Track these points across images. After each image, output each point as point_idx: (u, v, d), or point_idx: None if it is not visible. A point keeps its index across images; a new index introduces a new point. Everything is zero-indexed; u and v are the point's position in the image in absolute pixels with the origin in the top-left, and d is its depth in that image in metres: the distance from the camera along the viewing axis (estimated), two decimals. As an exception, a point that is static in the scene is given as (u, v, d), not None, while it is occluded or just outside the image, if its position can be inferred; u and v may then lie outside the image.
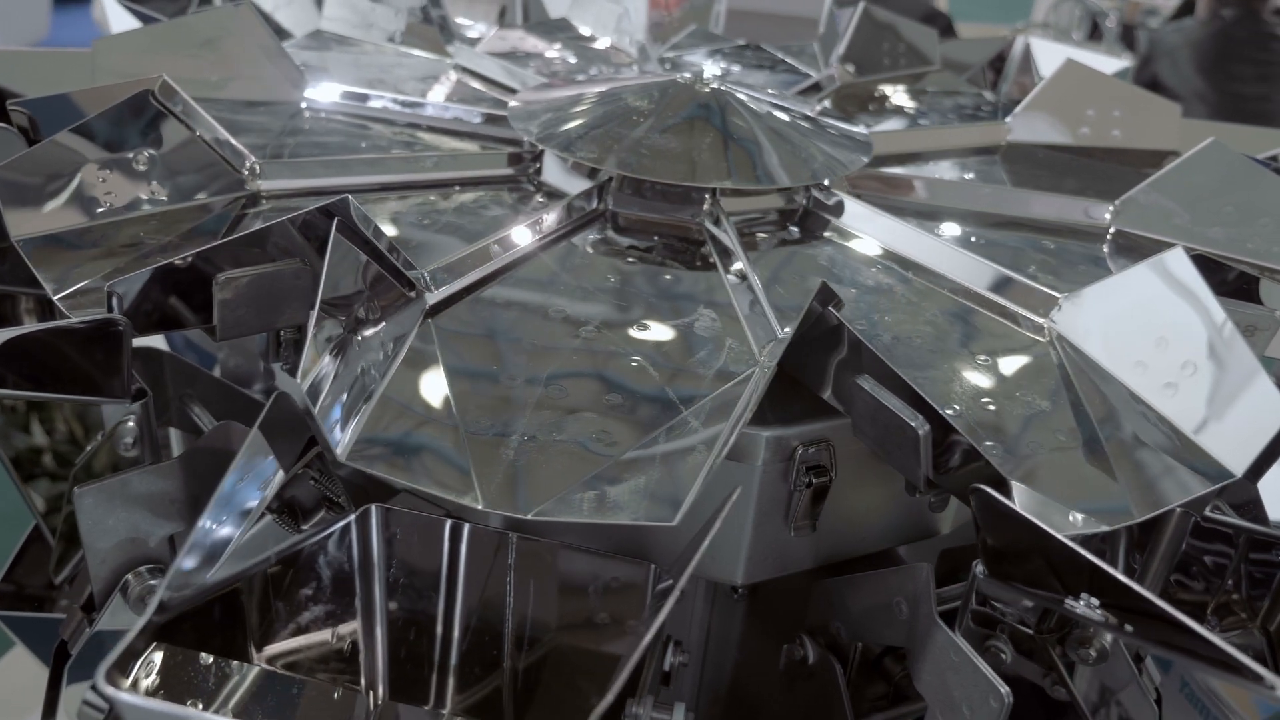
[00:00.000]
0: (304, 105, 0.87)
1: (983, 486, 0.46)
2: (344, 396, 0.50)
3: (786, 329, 0.57)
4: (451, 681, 0.54)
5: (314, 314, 0.49)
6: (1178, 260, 0.58)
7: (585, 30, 1.12)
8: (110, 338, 0.52)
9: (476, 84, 0.97)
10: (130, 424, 0.68)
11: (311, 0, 1.09)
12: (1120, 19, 3.23)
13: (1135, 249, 0.76)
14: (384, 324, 0.55)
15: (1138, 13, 3.31)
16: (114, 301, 0.53)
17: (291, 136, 0.81)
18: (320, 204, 0.55)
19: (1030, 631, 0.65)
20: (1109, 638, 0.60)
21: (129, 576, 0.60)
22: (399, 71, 0.97)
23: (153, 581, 0.60)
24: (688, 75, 0.80)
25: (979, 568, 0.51)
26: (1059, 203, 0.80)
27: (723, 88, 0.79)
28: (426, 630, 0.52)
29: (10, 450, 0.75)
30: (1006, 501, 0.45)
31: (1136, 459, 0.55)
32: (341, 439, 0.48)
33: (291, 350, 0.65)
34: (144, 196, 0.66)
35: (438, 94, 0.92)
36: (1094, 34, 3.38)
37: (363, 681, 0.54)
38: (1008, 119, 0.94)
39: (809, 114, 0.82)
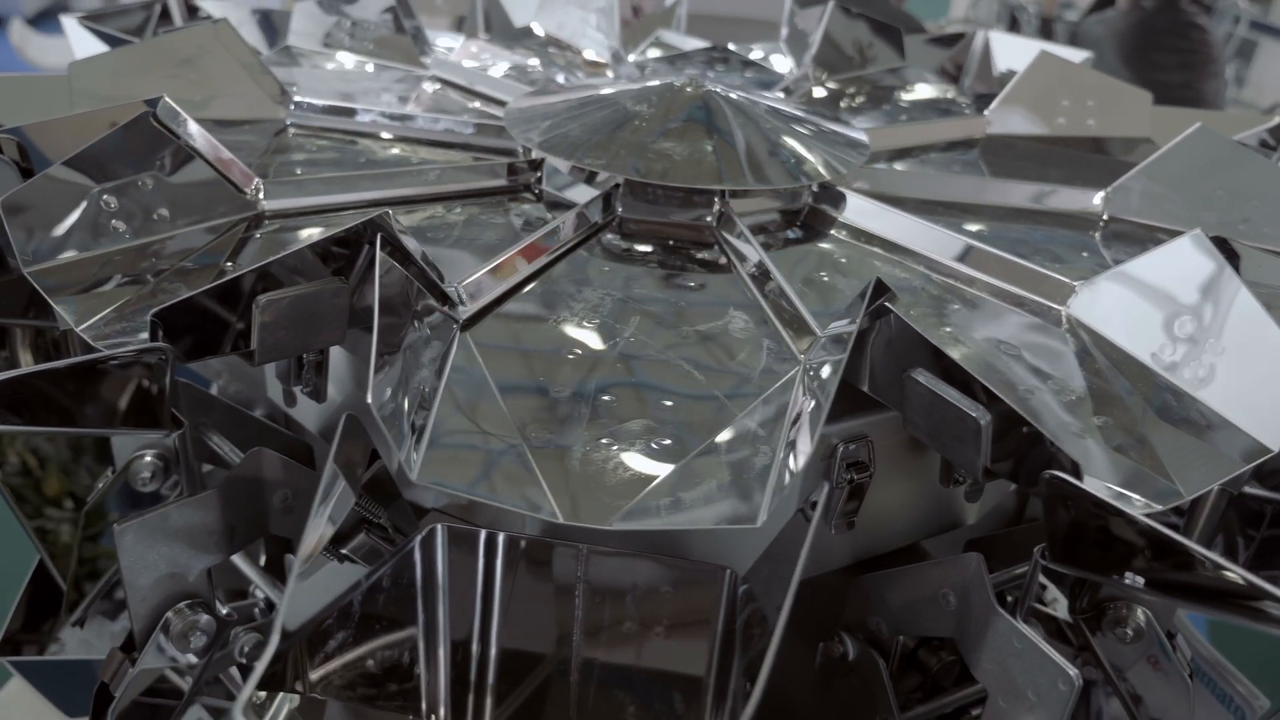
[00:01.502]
0: (288, 122, 0.85)
1: (1057, 473, 0.47)
2: (404, 415, 0.49)
3: (838, 325, 0.57)
4: (516, 698, 0.53)
5: (375, 333, 0.48)
6: (1198, 243, 0.60)
7: (556, 37, 1.12)
8: (155, 367, 0.50)
9: (456, 95, 0.96)
10: (147, 458, 0.66)
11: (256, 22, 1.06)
12: (1039, 12, 3.32)
13: (1127, 235, 0.78)
14: (431, 340, 0.55)
15: (1055, 6, 3.40)
16: (157, 330, 0.51)
17: (280, 155, 0.80)
18: (360, 219, 0.53)
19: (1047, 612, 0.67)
20: (1143, 617, 0.62)
21: (169, 614, 0.58)
22: (376, 85, 0.96)
23: (196, 617, 0.58)
24: (683, 79, 0.80)
25: (1040, 554, 0.51)
26: (1050, 192, 0.81)
27: (719, 90, 0.79)
28: (489, 648, 0.52)
29: (15, 486, 0.72)
30: (1084, 486, 0.46)
31: (1172, 440, 0.56)
32: (415, 458, 0.47)
33: (313, 373, 0.64)
34: (152, 221, 0.64)
35: (422, 106, 0.91)
36: (1013, 27, 3.46)
37: (424, 705, 0.53)
38: (986, 112, 0.95)
39: (804, 114, 0.82)
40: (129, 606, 0.57)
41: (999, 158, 0.92)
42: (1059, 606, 0.68)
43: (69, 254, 0.61)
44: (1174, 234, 0.77)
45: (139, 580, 0.56)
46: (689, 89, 0.78)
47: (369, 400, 0.46)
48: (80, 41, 0.95)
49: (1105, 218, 0.80)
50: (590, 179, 0.77)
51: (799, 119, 0.80)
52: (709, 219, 0.73)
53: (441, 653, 0.53)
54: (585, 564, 0.50)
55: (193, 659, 0.59)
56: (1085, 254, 0.74)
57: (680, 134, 0.75)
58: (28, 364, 0.73)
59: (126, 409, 0.52)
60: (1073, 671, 0.50)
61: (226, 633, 0.60)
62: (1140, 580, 0.50)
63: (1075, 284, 0.65)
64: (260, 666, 0.37)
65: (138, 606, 0.57)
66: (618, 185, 0.73)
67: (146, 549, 0.55)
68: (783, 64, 1.16)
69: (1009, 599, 0.61)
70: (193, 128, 0.66)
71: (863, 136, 0.81)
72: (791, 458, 0.48)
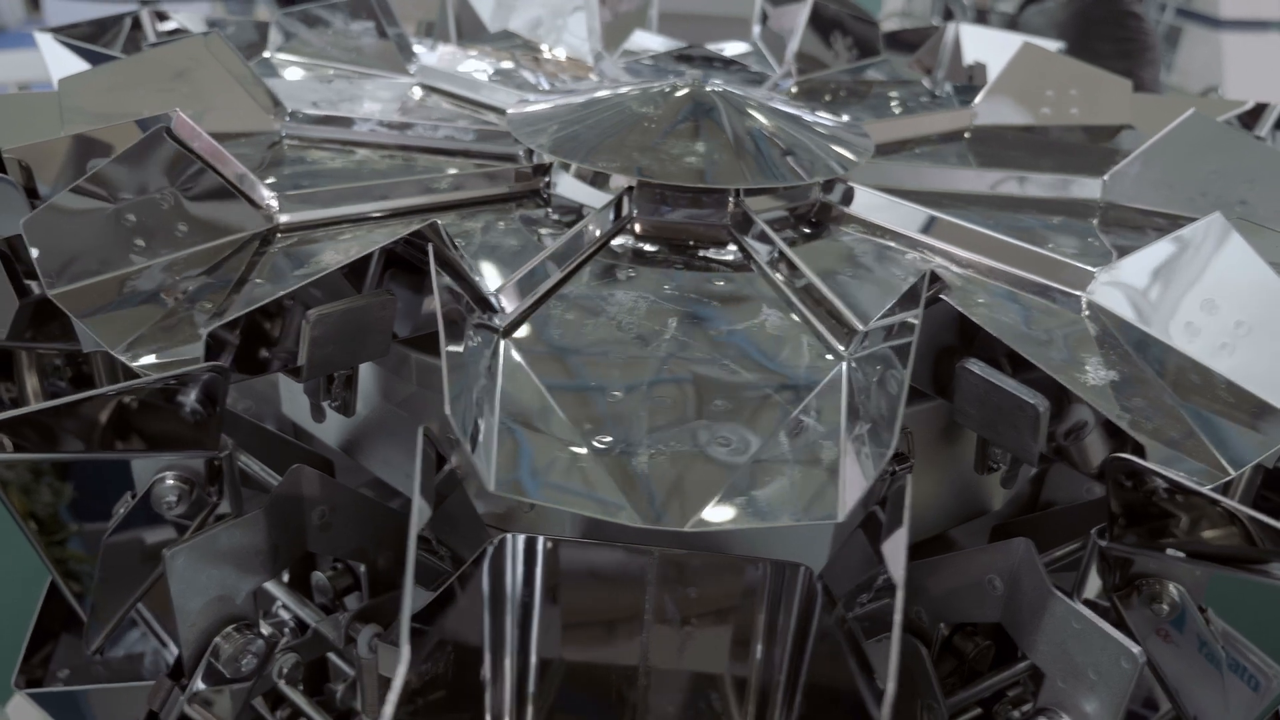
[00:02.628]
0: (283, 133, 0.83)
1: (1124, 455, 0.48)
2: (475, 426, 0.49)
3: (881, 319, 0.57)
4: (582, 708, 0.53)
5: (443, 343, 0.48)
6: (1217, 225, 0.61)
7: (533, 40, 1.11)
8: (212, 386, 0.49)
9: (445, 101, 0.95)
10: (169, 481, 0.65)
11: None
12: (974, 4, 3.37)
13: (1125, 221, 0.80)
14: (483, 349, 0.54)
15: (990, -2, 3.46)
16: (212, 348, 0.50)
17: (277, 167, 0.78)
18: (412, 229, 0.53)
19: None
20: (1175, 592, 0.63)
21: (218, 640, 0.57)
22: (361, 94, 0.95)
23: (247, 639, 0.57)
24: (687, 80, 0.80)
25: (1097, 535, 0.52)
26: (1047, 181, 0.83)
27: (722, 90, 0.79)
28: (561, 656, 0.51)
29: (31, 511, 0.70)
30: (1153, 466, 0.47)
31: (1205, 419, 0.57)
32: (489, 469, 0.47)
33: (343, 387, 0.63)
34: (172, 238, 0.63)
35: (416, 114, 0.90)
36: (947, 19, 3.52)
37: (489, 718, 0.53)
38: (974, 103, 0.97)
39: (806, 111, 0.83)
40: (178, 632, 0.55)
41: (990, 148, 0.93)
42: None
43: (93, 275, 0.59)
44: (1172, 218, 0.80)
45: (188, 605, 0.55)
46: (693, 89, 0.79)
47: (448, 413, 0.45)
48: (55, 57, 0.93)
49: (1103, 204, 0.81)
50: (595, 180, 0.77)
51: (802, 116, 0.81)
52: (724, 218, 0.73)
53: (508, 664, 0.53)
54: (656, 568, 0.50)
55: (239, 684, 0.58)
56: (1089, 240, 0.76)
57: (690, 134, 0.75)
58: (34, 388, 0.71)
59: (180, 430, 0.51)
60: (1136, 649, 0.51)
61: (273, 655, 0.59)
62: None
63: (1095, 270, 0.66)
64: (397, 683, 0.36)
65: (186, 632, 0.55)
66: (630, 188, 0.73)
67: (196, 573, 0.54)
68: (751, 60, 1.16)
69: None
70: (207, 142, 0.65)
71: (865, 131, 0.82)
72: (863, 453, 0.48)
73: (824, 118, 0.83)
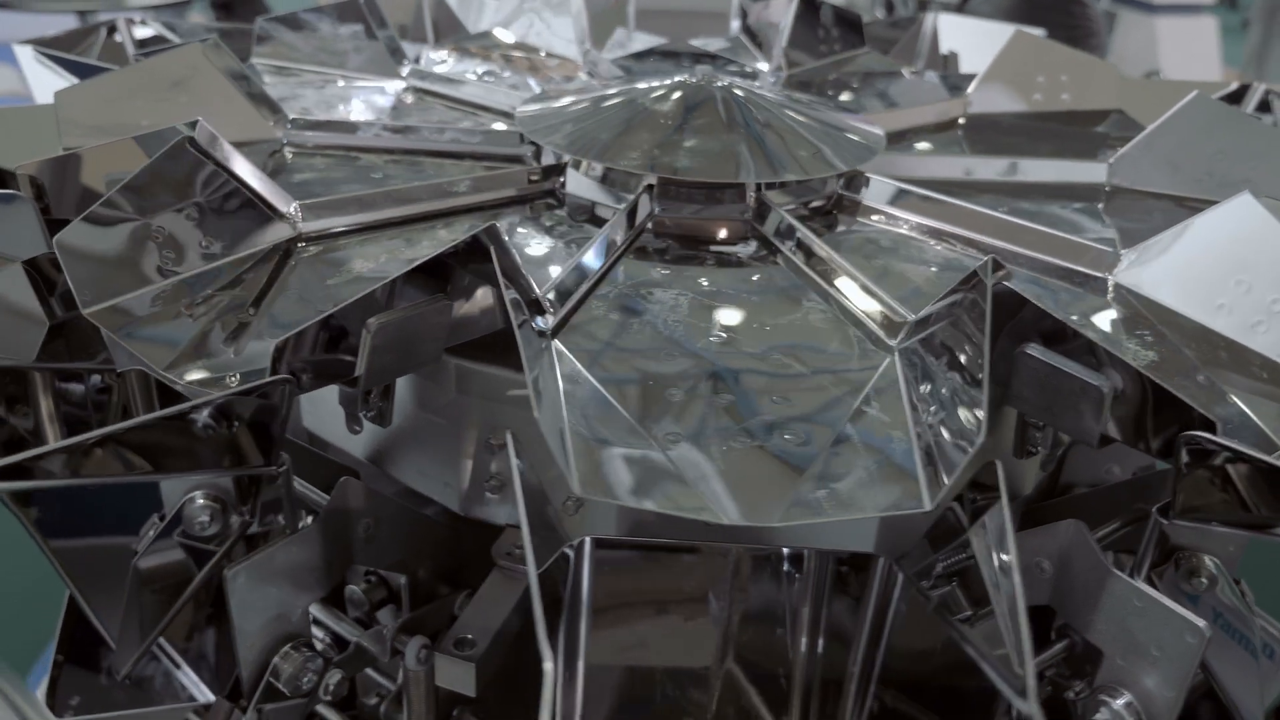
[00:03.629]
0: (284, 141, 0.82)
1: (1196, 433, 0.48)
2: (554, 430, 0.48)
3: (931, 307, 0.57)
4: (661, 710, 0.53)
5: (522, 348, 0.47)
6: (1246, 205, 0.63)
7: (520, 40, 1.10)
8: (277, 400, 0.48)
9: (441, 105, 0.94)
10: (199, 500, 0.63)
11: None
12: (917, -4, 3.41)
13: (1131, 204, 0.81)
14: (541, 352, 0.53)
15: (932, -12, 3.49)
16: (278, 361, 0.49)
17: (282, 175, 0.77)
18: (472, 233, 0.52)
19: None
20: (1212, 565, 0.64)
21: (277, 659, 0.55)
22: (355, 99, 0.93)
23: (305, 657, 0.56)
24: (696, 76, 0.80)
25: (1159, 513, 0.53)
26: (1052, 166, 0.84)
27: (735, 85, 0.79)
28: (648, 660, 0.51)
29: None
30: (1225, 441, 0.48)
31: (1244, 396, 0.58)
32: (571, 471, 0.46)
33: (380, 397, 0.62)
34: (200, 251, 0.61)
35: (415, 118, 0.89)
36: (890, 11, 3.56)
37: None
38: (967, 91, 0.98)
39: (815, 104, 0.83)
40: (237, 653, 0.54)
41: (986, 135, 0.94)
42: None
43: (126, 292, 0.57)
44: (1178, 200, 0.81)
45: (247, 624, 0.53)
46: (703, 85, 0.78)
47: (538, 416, 0.45)
48: (34, 71, 0.90)
49: (1110, 187, 0.82)
50: (607, 178, 0.76)
51: (812, 109, 0.81)
52: (745, 213, 0.73)
53: (579, 668, 0.52)
54: (737, 566, 0.49)
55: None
56: (1103, 224, 0.77)
57: (707, 130, 0.74)
58: (49, 410, 0.69)
59: (242, 447, 0.49)
60: (1201, 624, 0.52)
61: (328, 672, 0.58)
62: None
63: (1121, 252, 0.67)
64: (548, 697, 0.35)
65: (246, 652, 0.54)
66: (650, 185, 0.72)
67: (255, 592, 0.53)
68: (739, 54, 1.16)
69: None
70: (229, 151, 0.63)
71: (873, 123, 0.82)
72: (942, 441, 0.48)
73: (834, 111, 0.83)
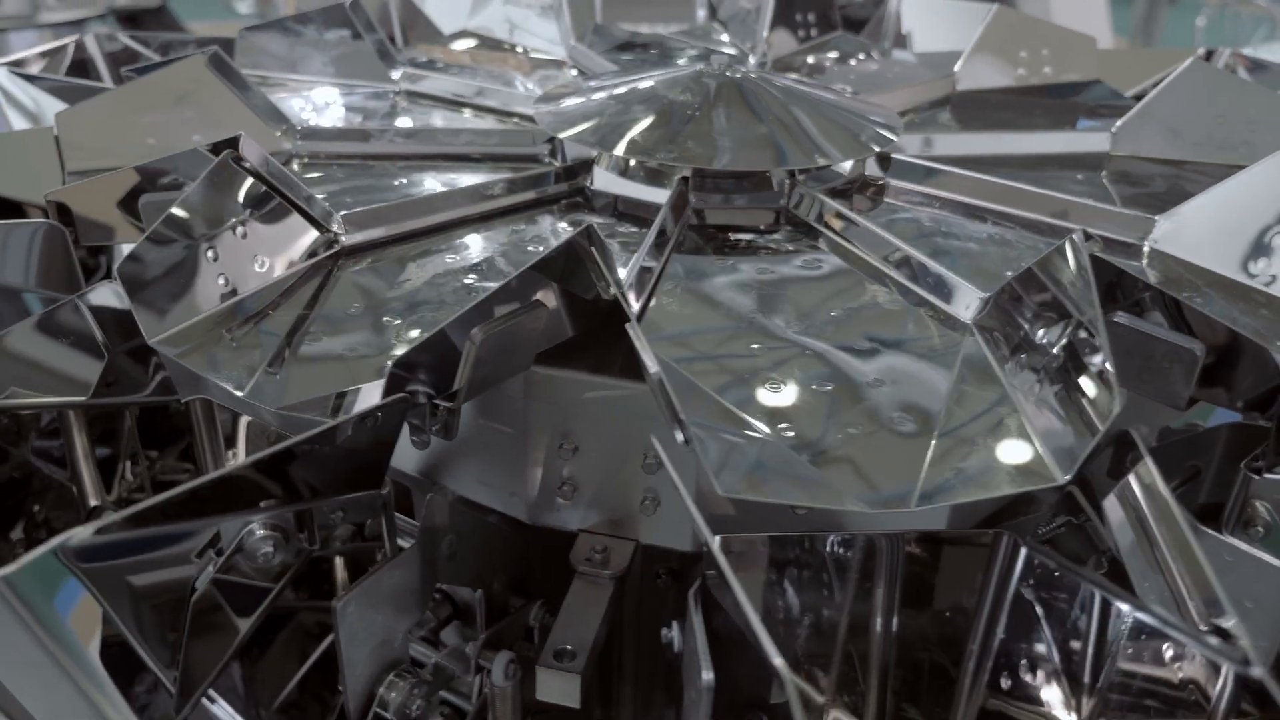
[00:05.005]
0: (293, 151, 0.79)
1: (1300, 390, 0.50)
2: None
3: (1031, 282, 0.57)
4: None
5: (650, 352, 0.46)
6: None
7: (498, 38, 1.09)
8: (392, 420, 0.46)
9: (441, 108, 0.92)
10: (260, 532, 0.61)
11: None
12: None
13: (1134, 171, 0.83)
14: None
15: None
16: (398, 380, 0.47)
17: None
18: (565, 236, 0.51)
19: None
20: (1265, 511, 0.66)
21: (382, 690, 0.54)
22: (350, 106, 0.91)
23: (411, 685, 0.54)
24: (712, 65, 0.79)
25: (1248, 466, 0.55)
26: (1057, 138, 0.86)
27: (754, 75, 0.79)
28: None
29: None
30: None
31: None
32: (710, 472, 0.46)
33: (447, 411, 0.60)
34: (251, 269, 0.59)
35: (419, 122, 0.87)
36: None
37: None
38: (955, 69, 0.99)
39: (830, 91, 0.83)
40: (345, 684, 0.52)
41: (979, 111, 0.95)
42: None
43: (188, 318, 0.55)
44: (1179, 164, 0.83)
45: (355, 655, 0.52)
46: (721, 75, 0.78)
47: (683, 418, 0.44)
48: (9, 92, 0.86)
49: (1116, 156, 0.84)
50: (630, 171, 0.75)
51: (827, 94, 0.81)
52: (782, 199, 0.73)
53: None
54: (887, 553, 0.49)
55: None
56: (1122, 190, 0.79)
57: (736, 119, 0.74)
58: (84, 447, 0.66)
59: (354, 471, 0.48)
60: (1296, 573, 0.53)
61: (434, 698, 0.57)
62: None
63: (1155, 218, 0.69)
64: (795, 698, 0.34)
65: (354, 683, 0.52)
66: (686, 177, 0.72)
67: (363, 621, 0.51)
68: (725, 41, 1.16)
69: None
70: (274, 166, 0.61)
71: (886, 105, 0.83)
72: (1061, 412, 0.49)
73: (846, 95, 0.83)
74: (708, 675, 0.46)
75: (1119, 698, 0.58)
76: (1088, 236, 0.56)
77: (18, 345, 0.55)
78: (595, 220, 0.71)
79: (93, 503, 0.67)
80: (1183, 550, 0.43)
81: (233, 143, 0.63)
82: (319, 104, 0.90)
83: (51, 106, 0.86)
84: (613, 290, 0.56)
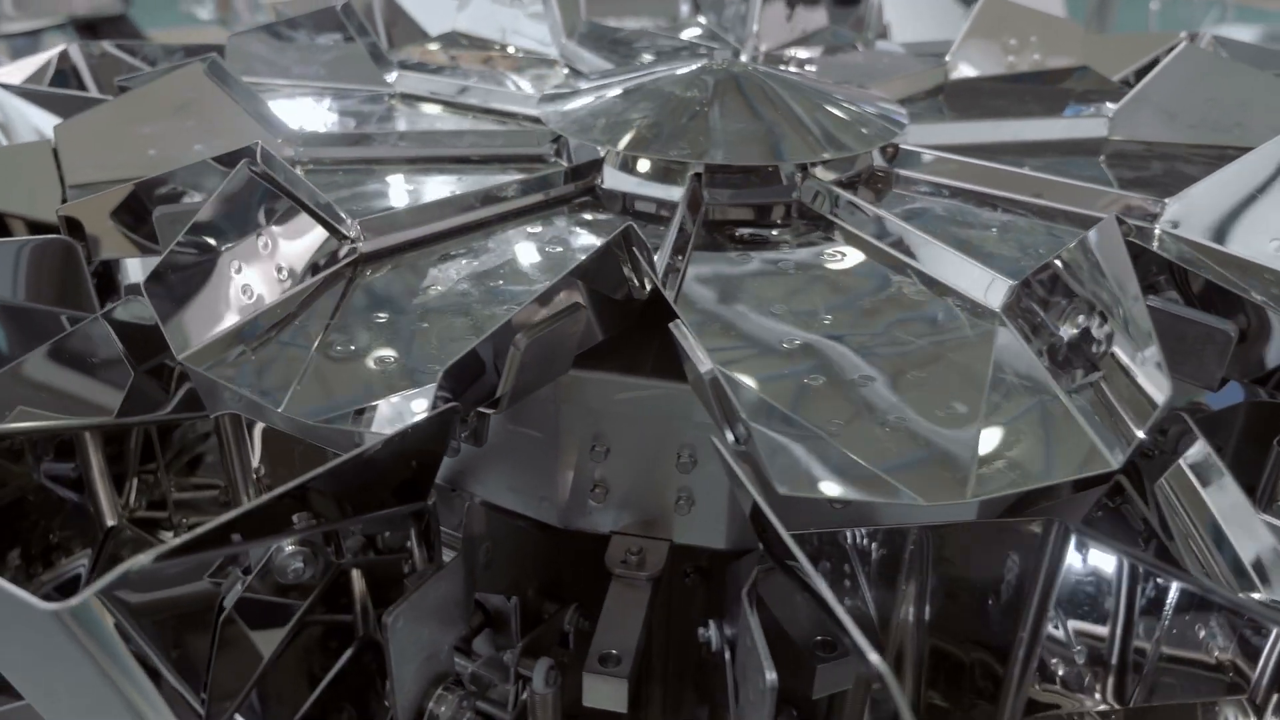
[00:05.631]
0: (294, 156, 0.78)
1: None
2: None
3: (1037, 270, 0.58)
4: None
5: (705, 356, 0.46)
6: (1292, 143, 0.65)
7: (486, 38, 1.08)
8: (442, 431, 0.46)
9: (440, 109, 0.91)
10: (289, 549, 0.60)
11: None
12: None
13: (1132, 154, 0.84)
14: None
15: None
16: (451, 387, 0.46)
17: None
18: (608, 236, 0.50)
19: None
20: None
21: (430, 705, 0.53)
22: (347, 110, 0.89)
23: (460, 699, 0.54)
24: (716, 60, 0.79)
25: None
26: (1057, 125, 0.86)
27: (754, 68, 0.79)
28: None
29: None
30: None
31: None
32: (770, 471, 0.45)
33: (476, 418, 0.60)
34: (273, 280, 0.58)
35: (418, 124, 0.86)
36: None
37: None
38: (946, 58, 1.00)
39: (830, 83, 0.83)
40: (394, 700, 0.52)
41: (975, 99, 0.96)
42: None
43: (215, 332, 0.54)
44: (1176, 147, 0.84)
45: (404, 671, 0.51)
46: (726, 69, 0.78)
47: (744, 417, 0.44)
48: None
49: (1115, 140, 0.85)
50: (648, 171, 0.75)
51: (832, 88, 0.81)
52: (795, 193, 0.72)
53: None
54: (928, 544, 0.49)
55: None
56: (1126, 174, 0.79)
57: (744, 114, 0.74)
58: (99, 466, 0.64)
59: (400, 485, 0.47)
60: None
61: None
62: None
63: (1165, 200, 0.69)
64: (897, 693, 0.34)
65: (403, 699, 0.52)
66: (699, 174, 0.72)
67: (411, 635, 0.51)
68: (713, 38, 1.16)
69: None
70: (291, 173, 0.60)
71: (889, 97, 0.83)
72: (1110, 397, 0.49)
73: (849, 87, 0.83)
74: (771, 676, 0.46)
75: (1168, 679, 0.58)
76: (1121, 222, 0.57)
77: (42, 366, 0.53)
78: (604, 218, 0.71)
79: (109, 522, 0.66)
80: (1244, 527, 0.43)
81: (246, 151, 0.62)
82: (313, 109, 0.89)
83: (39, 118, 0.84)
84: (647, 290, 0.55)
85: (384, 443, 0.43)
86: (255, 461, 0.73)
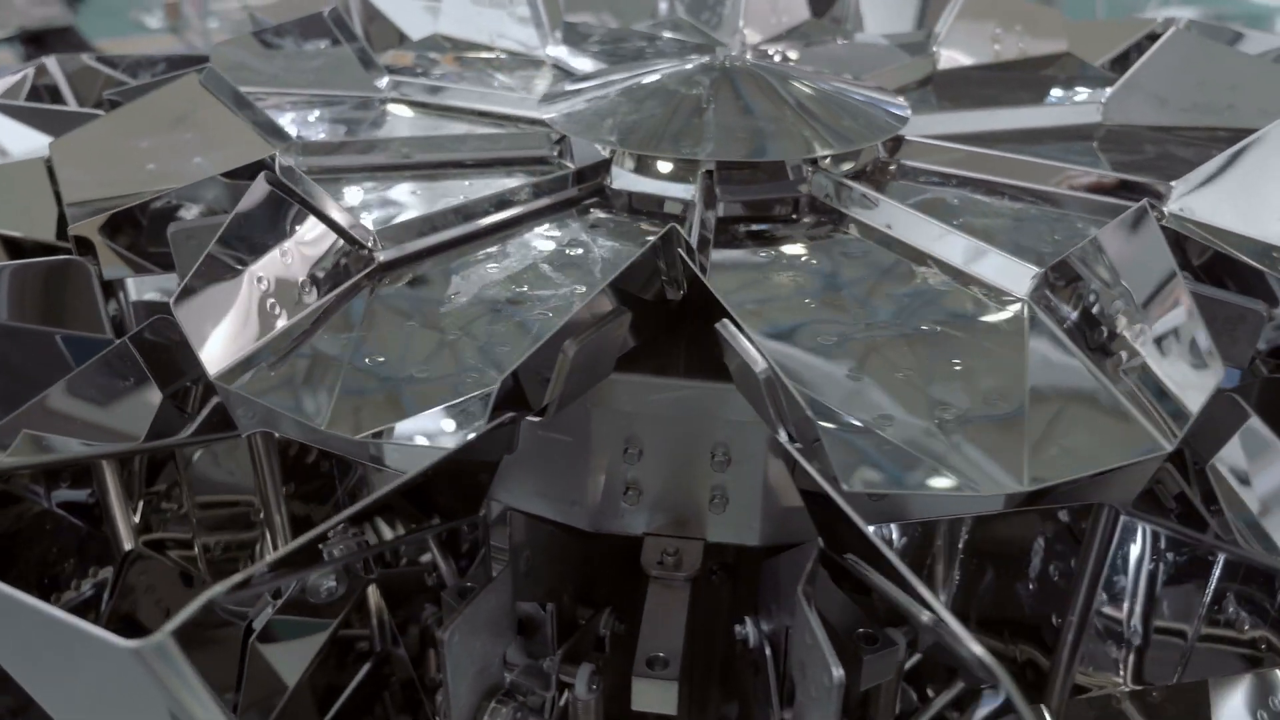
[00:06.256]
0: (293, 165, 0.77)
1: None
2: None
3: (1067, 253, 0.58)
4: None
5: (756, 354, 0.45)
6: (1296, 124, 0.66)
7: (477, 38, 1.07)
8: (501, 440, 0.45)
9: (435, 114, 0.90)
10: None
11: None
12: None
13: (1125, 138, 0.85)
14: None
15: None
16: (510, 394, 0.46)
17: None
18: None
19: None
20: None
21: (484, 718, 0.52)
22: (340, 117, 0.88)
23: (511, 708, 0.53)
24: (714, 56, 0.79)
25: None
26: (1049, 112, 0.87)
27: (758, 64, 0.79)
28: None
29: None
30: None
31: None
32: (839, 470, 0.45)
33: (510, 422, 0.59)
34: (297, 293, 0.57)
35: (413, 129, 0.85)
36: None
37: None
38: (934, 49, 1.00)
39: (827, 76, 0.83)
40: (447, 716, 0.51)
41: (964, 89, 0.96)
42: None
43: (246, 349, 0.53)
44: (1169, 130, 0.85)
45: (459, 685, 0.50)
46: (727, 65, 0.78)
47: (810, 415, 0.44)
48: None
49: (1106, 125, 0.86)
50: (657, 170, 0.74)
51: (828, 80, 0.82)
52: (805, 187, 0.73)
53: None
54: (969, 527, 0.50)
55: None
56: (1125, 159, 0.80)
57: (754, 110, 0.74)
58: (117, 493, 0.63)
59: (455, 499, 0.46)
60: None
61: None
62: None
63: (1171, 183, 0.70)
64: (1006, 681, 0.34)
65: (459, 714, 0.51)
66: (710, 171, 0.71)
67: (466, 649, 0.50)
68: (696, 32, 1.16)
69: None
70: (310, 185, 0.59)
71: (888, 88, 0.83)
72: (1158, 379, 0.49)
73: (850, 81, 0.84)
74: (838, 671, 0.46)
75: (1201, 659, 0.59)
76: (1153, 206, 0.57)
77: (69, 393, 0.52)
78: (618, 219, 0.71)
79: (127, 546, 0.64)
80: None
81: (260, 165, 0.60)
82: (304, 116, 0.87)
83: (22, 135, 0.82)
84: (681, 292, 0.55)
85: (449, 455, 0.42)
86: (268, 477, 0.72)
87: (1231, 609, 0.61)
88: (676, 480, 0.61)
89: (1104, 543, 0.51)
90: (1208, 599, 0.57)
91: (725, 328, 0.50)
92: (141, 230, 0.62)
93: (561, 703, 0.61)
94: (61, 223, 0.72)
